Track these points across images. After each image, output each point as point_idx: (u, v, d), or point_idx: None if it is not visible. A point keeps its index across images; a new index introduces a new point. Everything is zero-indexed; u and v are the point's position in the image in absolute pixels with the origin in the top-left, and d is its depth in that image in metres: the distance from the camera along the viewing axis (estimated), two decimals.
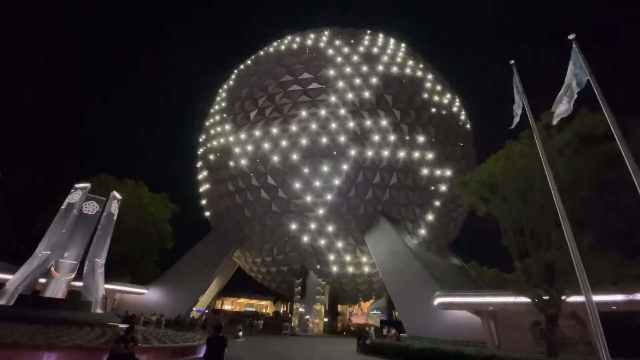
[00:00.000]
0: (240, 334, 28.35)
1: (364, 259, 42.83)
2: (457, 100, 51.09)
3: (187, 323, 32.58)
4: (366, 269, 43.92)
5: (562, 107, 10.02)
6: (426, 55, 53.51)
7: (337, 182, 39.70)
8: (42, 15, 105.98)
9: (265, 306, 78.39)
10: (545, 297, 16.89)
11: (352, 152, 39.72)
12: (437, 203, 42.81)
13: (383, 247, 38.31)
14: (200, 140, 53.21)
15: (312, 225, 40.93)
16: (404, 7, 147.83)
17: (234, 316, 54.11)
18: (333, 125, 40.29)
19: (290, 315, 45.94)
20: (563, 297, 16.32)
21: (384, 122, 40.87)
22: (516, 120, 12.38)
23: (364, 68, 43.48)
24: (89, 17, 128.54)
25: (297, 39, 50.90)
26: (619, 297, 16.14)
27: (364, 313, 62.37)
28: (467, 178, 25.61)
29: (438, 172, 42.22)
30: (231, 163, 43.93)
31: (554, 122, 10.75)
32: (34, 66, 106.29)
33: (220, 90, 54.23)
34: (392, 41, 52.07)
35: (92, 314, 18.50)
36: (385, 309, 54.69)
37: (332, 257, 42.30)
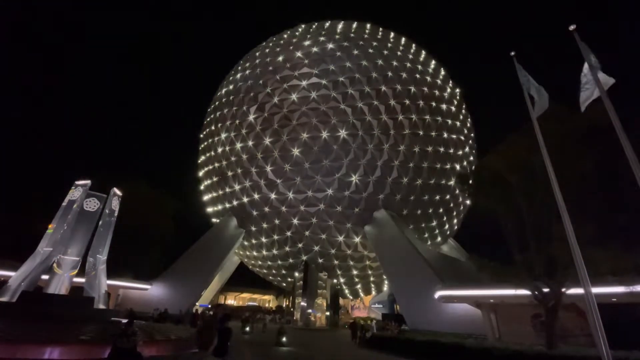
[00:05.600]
0: (284, 339, 20.76)
1: (365, 253, 43.02)
2: (458, 93, 50.79)
3: (174, 319, 30.74)
4: (367, 263, 44.16)
5: (586, 94, 9.65)
6: (427, 47, 53.06)
7: (337, 176, 39.71)
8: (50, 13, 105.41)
9: (268, 300, 79.06)
10: (545, 290, 16.93)
11: (353, 147, 39.62)
12: (438, 197, 42.82)
13: (384, 241, 38.43)
14: (202, 136, 53.19)
15: (313, 220, 41.05)
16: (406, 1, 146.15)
17: (238, 311, 54.55)
18: (333, 120, 40.13)
19: (292, 309, 46.26)
20: (563, 290, 16.35)
21: (384, 117, 40.70)
22: (538, 107, 11.63)
23: (365, 62, 43.15)
24: (91, 13, 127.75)
25: (297, 33, 50.53)
26: (619, 289, 16.17)
27: (366, 307, 62.74)
28: (469, 172, 25.63)
29: (438, 166, 42.14)
30: (232, 158, 43.94)
31: (582, 109, 10.26)
32: (35, 64, 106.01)
33: (220, 86, 54.04)
34: (392, 34, 51.66)
35: (95, 310, 18.68)
36: (387, 303, 55.02)
37: (333, 251, 42.51)
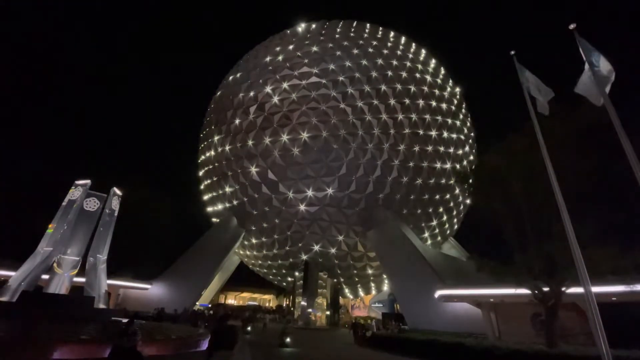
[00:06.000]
0: (288, 340, 20.05)
1: (365, 252, 43.01)
2: (458, 92, 50.78)
3: (169, 318, 30.21)
4: (367, 262, 44.16)
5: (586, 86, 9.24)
6: (427, 45, 53.00)
7: (337, 175, 39.71)
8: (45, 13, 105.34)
9: (268, 300, 79.06)
10: (545, 289, 16.93)
11: (353, 146, 39.61)
12: (438, 196, 42.82)
13: (384, 241, 38.43)
14: (202, 135, 53.17)
15: (314, 219, 41.03)
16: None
17: (237, 310, 54.56)
18: (333, 119, 40.13)
19: (292, 308, 46.29)
20: (563, 289, 16.35)
21: (384, 116, 40.69)
22: (541, 103, 11.35)
23: (364, 62, 43.13)
24: (91, 13, 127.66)
25: (297, 32, 50.49)
26: (619, 288, 16.18)
27: (366, 306, 62.76)
28: (468, 171, 25.62)
29: (438, 165, 42.14)
30: (232, 158, 43.92)
31: (599, 103, 9.53)
32: (35, 62, 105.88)
33: (220, 85, 54.04)
34: (392, 34, 51.62)
35: (95, 309, 18.70)
36: (387, 302, 55.03)
37: (333, 250, 42.53)
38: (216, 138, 46.99)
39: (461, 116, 48.13)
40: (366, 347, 23.09)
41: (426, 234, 44.43)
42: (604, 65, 9.11)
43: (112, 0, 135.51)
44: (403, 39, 51.34)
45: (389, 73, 43.06)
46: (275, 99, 42.13)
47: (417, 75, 45.09)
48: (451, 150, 43.87)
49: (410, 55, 47.63)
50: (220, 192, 46.75)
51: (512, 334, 22.13)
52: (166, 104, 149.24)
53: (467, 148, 46.94)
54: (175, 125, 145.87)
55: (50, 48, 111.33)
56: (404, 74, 43.82)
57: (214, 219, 50.31)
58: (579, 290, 10.68)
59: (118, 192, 24.26)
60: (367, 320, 42.08)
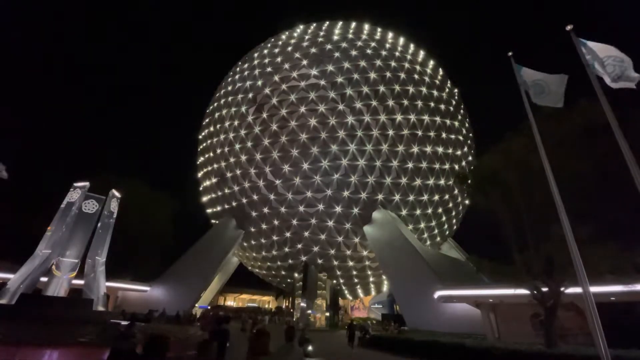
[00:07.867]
0: (310, 348, 16.73)
1: (365, 253, 43.00)
2: (457, 93, 50.87)
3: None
4: (367, 263, 44.15)
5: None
6: (425, 46, 53.13)
7: (336, 176, 39.73)
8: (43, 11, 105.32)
9: (268, 301, 78.93)
10: (544, 289, 16.95)
11: (351, 147, 39.65)
12: (437, 197, 42.86)
13: (383, 241, 38.43)
14: (200, 137, 53.16)
15: (313, 220, 41.03)
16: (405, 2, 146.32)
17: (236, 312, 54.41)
18: (332, 121, 40.17)
19: (292, 310, 46.20)
20: (562, 289, 16.37)
21: (382, 117, 40.75)
22: (544, 101, 11.24)
23: (363, 63, 43.19)
24: (90, 14, 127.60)
25: (296, 34, 50.56)
26: (617, 288, 16.21)
27: (365, 307, 62.70)
28: (467, 172, 25.67)
29: (437, 166, 42.18)
30: (231, 159, 43.92)
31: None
32: (33, 64, 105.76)
33: (219, 87, 54.06)
34: (390, 35, 51.72)
35: (94, 312, 18.64)
36: (387, 303, 55.01)
37: (332, 251, 42.50)
38: (215, 140, 47.01)
39: (460, 117, 48.18)
40: (368, 348, 22.92)
41: (425, 235, 44.45)
42: (601, 66, 9.10)
43: (113, 2, 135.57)
44: (401, 40, 51.44)
45: (388, 74, 43.13)
46: (274, 101, 42.18)
47: (416, 76, 45.16)
48: (450, 151, 43.93)
49: (409, 56, 47.71)
50: (219, 193, 46.72)
51: (512, 335, 22.12)
52: (166, 104, 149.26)
53: (465, 149, 47.00)
54: (175, 127, 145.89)
55: (49, 47, 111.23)
56: (403, 75, 43.88)
57: (213, 221, 50.25)
58: (578, 290, 10.69)
59: (117, 194, 24.21)
60: (366, 321, 41.98)
